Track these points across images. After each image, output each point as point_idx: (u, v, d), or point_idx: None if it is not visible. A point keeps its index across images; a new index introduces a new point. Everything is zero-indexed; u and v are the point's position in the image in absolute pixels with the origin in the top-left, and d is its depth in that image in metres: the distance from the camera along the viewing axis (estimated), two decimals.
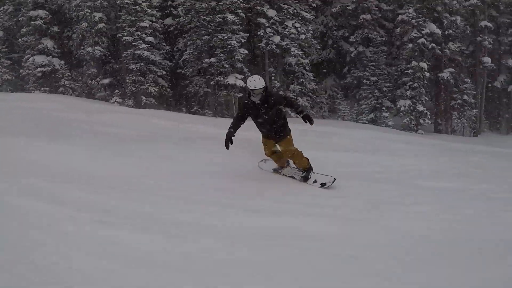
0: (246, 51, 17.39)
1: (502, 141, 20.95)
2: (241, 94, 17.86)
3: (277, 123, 5.53)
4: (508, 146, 17.67)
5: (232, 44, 16.92)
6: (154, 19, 18.83)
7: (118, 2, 18.82)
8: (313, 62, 21.73)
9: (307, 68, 18.72)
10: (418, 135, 17.67)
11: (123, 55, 18.63)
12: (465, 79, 20.70)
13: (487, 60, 21.23)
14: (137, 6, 18.33)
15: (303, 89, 18.68)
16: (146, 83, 18.21)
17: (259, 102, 5.33)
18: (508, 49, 23.34)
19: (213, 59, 17.14)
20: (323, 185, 5.47)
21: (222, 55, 17.02)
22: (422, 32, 18.75)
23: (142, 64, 18.12)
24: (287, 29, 18.00)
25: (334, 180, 5.43)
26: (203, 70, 17.90)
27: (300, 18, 18.47)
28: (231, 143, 5.44)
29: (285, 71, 18.78)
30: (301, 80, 18.69)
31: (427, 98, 19.25)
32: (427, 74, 18.64)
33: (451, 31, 20.12)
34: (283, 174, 6.09)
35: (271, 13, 18.06)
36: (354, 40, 20.43)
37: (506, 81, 23.41)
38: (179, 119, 12.04)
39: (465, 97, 20.47)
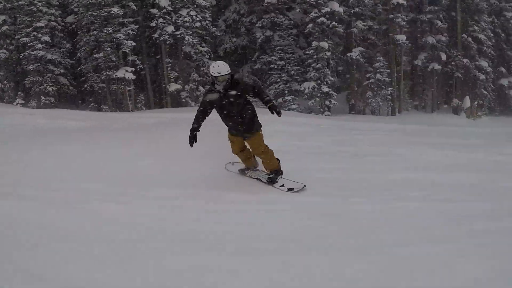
0: (134, 43, 17.12)
1: (418, 118, 20.72)
2: (132, 87, 17.62)
3: (245, 116, 4.95)
4: (414, 122, 17.45)
5: (118, 37, 16.66)
6: (53, 18, 18.58)
7: (15, 3, 18.57)
8: (226, 50, 21.50)
9: (207, 56, 18.43)
10: (321, 116, 17.43)
11: (21, 56, 18.41)
12: (378, 58, 20.37)
13: (401, 37, 20.87)
14: (32, 7, 18.11)
15: (203, 78, 18.39)
16: (44, 82, 18.01)
17: (223, 90, 4.78)
18: (428, 27, 23.05)
19: (101, 54, 16.90)
20: (290, 189, 5.06)
21: (109, 49, 16.77)
22: (323, 11, 18.43)
23: (39, 64, 17.91)
24: (181, 18, 17.71)
25: (304, 186, 5.04)
26: (97, 65, 17.66)
27: (195, 6, 18.16)
28: (195, 141, 4.88)
29: (180, 61, 18.46)
30: (201, 69, 18.41)
31: (332, 79, 18.92)
32: (328, 54, 18.31)
33: (358, 9, 19.83)
34: (249, 176, 5.63)
35: (164, 2, 17.76)
36: (261, 25, 20.13)
37: (427, 59, 23.06)
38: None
39: (378, 76, 20.16)
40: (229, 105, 4.86)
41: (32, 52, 17.74)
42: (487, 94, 25.12)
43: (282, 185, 5.19)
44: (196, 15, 17.90)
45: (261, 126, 5.12)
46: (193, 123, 4.92)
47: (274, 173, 5.28)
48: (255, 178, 5.53)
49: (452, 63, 23.78)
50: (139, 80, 19.11)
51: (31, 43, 17.78)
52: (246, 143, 5.29)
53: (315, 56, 18.48)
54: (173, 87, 18.17)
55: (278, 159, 5.35)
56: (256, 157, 5.51)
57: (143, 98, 18.83)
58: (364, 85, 20.46)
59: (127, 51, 16.95)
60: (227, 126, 5.12)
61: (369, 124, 15.03)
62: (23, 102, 18.36)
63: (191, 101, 18.18)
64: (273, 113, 4.92)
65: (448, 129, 14.71)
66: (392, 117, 20.52)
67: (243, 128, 5.01)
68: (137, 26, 17.66)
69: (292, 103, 18.60)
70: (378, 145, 8.78)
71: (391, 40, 21.08)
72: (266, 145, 5.18)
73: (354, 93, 20.67)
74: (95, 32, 17.08)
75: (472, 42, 23.82)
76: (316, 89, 18.47)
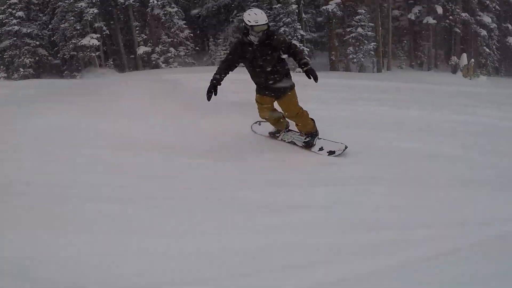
0: (96, 11, 17.29)
1: (407, 76, 19.33)
2: (98, 53, 17.77)
3: (278, 72, 4.46)
4: (395, 80, 16.29)
5: (80, 6, 16.94)
6: None
7: None
8: (209, 9, 21.05)
9: (177, 17, 18.29)
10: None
11: None
12: (359, 10, 19.26)
13: None
14: None
15: (174, 39, 18.28)
16: (22, 55, 18.66)
17: (258, 43, 4.27)
18: None
19: (66, 24, 17.32)
20: (331, 153, 4.62)
21: (72, 18, 17.11)
22: None
23: (16, 39, 18.60)
24: None
25: (346, 147, 4.57)
26: (64, 35, 18.08)
27: None
28: (215, 94, 4.35)
29: (148, 23, 18.44)
30: (172, 30, 18.31)
31: (303, 33, 18.17)
32: (294, 7, 17.57)
33: None
34: (282, 139, 5.15)
35: None
36: None
37: (421, 12, 21.67)
38: None
39: (360, 30, 19.11)
40: (263, 59, 4.33)
41: (7, 28, 18.46)
42: (490, 53, 23.29)
43: (321, 148, 4.72)
44: None
45: (294, 85, 4.61)
46: (215, 74, 4.40)
47: (310, 136, 4.83)
48: (288, 141, 5.03)
49: (450, 17, 22.19)
50: (110, 45, 19.31)
51: (7, 20, 18.49)
52: (277, 105, 4.80)
53: (283, 11, 17.82)
54: (141, 50, 18.19)
55: (312, 119, 4.85)
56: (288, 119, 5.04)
57: (112, 63, 18.94)
58: (344, 40, 19.49)
59: (89, 19, 17.15)
60: (257, 83, 4.62)
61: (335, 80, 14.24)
62: (5, 75, 19.15)
63: (162, 62, 18.12)
64: (309, 78, 4.31)
65: (428, 87, 13.82)
66: (376, 74, 19.37)
67: (276, 86, 4.50)
68: None
69: None
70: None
71: None
72: (301, 107, 4.68)
73: (334, 49, 19.73)
74: (60, 3, 17.51)
75: None
76: None
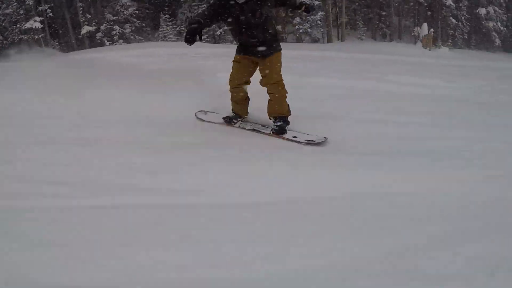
0: None
1: (359, 47, 18.80)
2: (42, 35, 18.12)
3: (266, 31, 3.96)
4: (339, 50, 15.83)
5: None
6: None
7: None
8: None
9: None
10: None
11: None
12: None
13: None
14: None
15: (119, 17, 18.48)
16: None
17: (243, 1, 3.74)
18: None
19: (10, 9, 17.83)
20: (309, 142, 3.95)
21: (15, 3, 17.60)
22: None
23: None
24: None
25: (326, 139, 4.01)
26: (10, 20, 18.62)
27: None
28: (200, 36, 3.59)
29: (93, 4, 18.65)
30: (116, 8, 18.52)
31: None
32: None
33: None
34: (240, 127, 4.40)
35: None
36: None
37: None
38: None
39: None
40: (248, 13, 3.77)
41: None
42: (457, 24, 22.30)
43: (295, 137, 4.04)
44: None
45: (281, 49, 4.11)
46: (197, 17, 3.70)
47: (282, 121, 4.15)
48: (250, 129, 4.31)
49: None
50: (56, 27, 19.75)
51: None
52: (256, 71, 4.20)
53: None
54: (85, 29, 18.49)
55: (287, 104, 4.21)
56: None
57: (57, 43, 19.39)
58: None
59: (31, 3, 17.58)
60: (241, 42, 4.06)
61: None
62: None
63: (107, 41, 18.38)
64: (308, 13, 4.32)
65: (368, 57, 13.47)
66: (323, 44, 18.95)
67: (261, 43, 3.96)
68: None
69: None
70: None
71: None
72: (282, 78, 4.10)
73: (280, 20, 19.39)
74: None
75: None
76: None
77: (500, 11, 23.19)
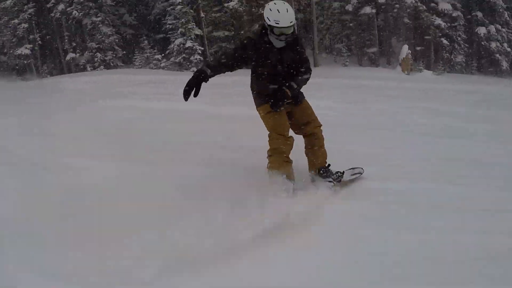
0: (26, 25, 20.43)
1: (332, 71, 18.13)
2: (31, 60, 20.71)
3: (300, 76, 3.50)
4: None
5: (14, 22, 20.28)
6: None
7: None
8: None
9: (100, 25, 20.40)
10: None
11: None
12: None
13: None
14: None
15: (101, 45, 20.36)
16: None
17: (283, 46, 3.37)
18: None
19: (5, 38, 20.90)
20: (356, 173, 3.83)
21: (9, 33, 20.66)
22: None
23: None
24: None
25: (363, 171, 3.84)
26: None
27: None
28: (196, 92, 3.24)
29: (73, 32, 20.80)
30: (99, 36, 20.49)
31: (198, 33, 18.58)
32: (184, 9, 18.14)
33: None
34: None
35: None
36: None
37: (360, 2, 19.88)
38: None
39: None
40: (287, 58, 3.41)
41: None
42: (452, 45, 20.27)
43: (354, 174, 3.83)
44: None
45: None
46: (206, 66, 3.32)
47: (327, 168, 3.69)
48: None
49: (397, 5, 20.01)
50: (45, 52, 22.36)
51: None
52: (293, 120, 3.64)
53: (176, 12, 18.55)
54: (69, 56, 20.73)
55: None
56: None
57: (46, 68, 21.89)
58: None
59: (20, 33, 20.33)
60: (270, 91, 3.42)
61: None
62: None
63: (89, 67, 20.34)
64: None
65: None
66: None
67: (295, 94, 3.50)
68: (33, 10, 20.91)
69: (161, 62, 19.14)
70: None
71: None
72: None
73: None
74: None
75: None
76: (182, 46, 18.48)
77: (504, 29, 20.61)
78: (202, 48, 18.94)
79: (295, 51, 3.45)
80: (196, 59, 18.45)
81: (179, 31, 18.65)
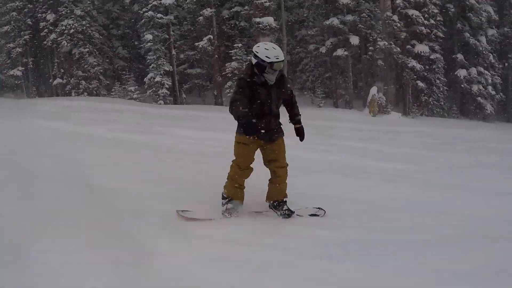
0: (20, 50, 22.23)
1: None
2: (21, 81, 22.33)
3: (278, 115, 4.03)
4: None
5: (8, 46, 22.03)
6: None
7: None
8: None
9: (86, 56, 21.68)
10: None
11: None
12: (235, 45, 19.14)
13: (267, 20, 18.68)
14: None
15: (85, 74, 21.62)
16: None
17: (273, 82, 3.84)
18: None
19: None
20: (313, 215, 4.19)
21: (4, 55, 22.43)
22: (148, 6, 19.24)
23: None
24: (61, 27, 21.64)
25: (324, 212, 4.19)
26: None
27: (73, 16, 21.79)
28: (260, 130, 3.84)
29: (61, 60, 22.25)
30: (85, 66, 21.81)
31: (167, 69, 19.23)
32: (155, 46, 18.93)
33: None
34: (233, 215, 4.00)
35: (49, 16, 22.09)
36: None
37: (334, 43, 19.77)
38: None
39: (234, 64, 19.04)
40: (274, 98, 3.88)
41: None
42: (429, 88, 19.58)
43: (313, 214, 4.22)
44: (72, 24, 21.47)
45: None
46: (240, 107, 3.70)
47: (281, 203, 4.15)
48: (258, 212, 4.24)
49: (371, 48, 19.74)
50: (37, 75, 24.08)
51: None
52: (263, 153, 4.09)
53: (150, 48, 19.37)
54: (56, 81, 22.18)
55: None
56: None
57: (35, 89, 23.59)
58: (224, 75, 19.64)
59: (14, 56, 22.06)
60: (253, 124, 3.76)
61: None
62: None
63: (74, 92, 21.64)
64: (297, 135, 4.18)
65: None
66: None
67: (275, 129, 3.98)
68: (28, 36, 22.60)
69: (134, 93, 19.97)
70: None
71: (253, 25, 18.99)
72: None
73: (216, 84, 20.06)
74: None
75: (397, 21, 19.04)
76: (152, 80, 19.23)
77: (488, 72, 19.61)
78: (171, 83, 19.60)
79: (283, 85, 3.96)
80: (163, 93, 19.17)
81: (151, 66, 19.48)
